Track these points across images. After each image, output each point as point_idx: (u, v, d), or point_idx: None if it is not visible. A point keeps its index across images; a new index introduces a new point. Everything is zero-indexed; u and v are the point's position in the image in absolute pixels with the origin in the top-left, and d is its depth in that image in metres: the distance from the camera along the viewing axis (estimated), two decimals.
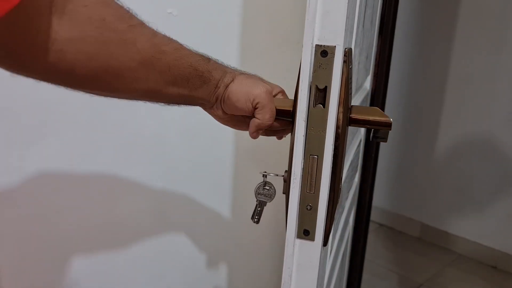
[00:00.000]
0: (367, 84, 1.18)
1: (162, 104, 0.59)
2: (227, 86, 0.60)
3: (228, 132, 1.01)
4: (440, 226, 2.38)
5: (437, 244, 2.40)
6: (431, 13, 2.28)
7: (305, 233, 0.54)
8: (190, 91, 0.57)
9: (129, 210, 1.07)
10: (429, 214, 2.42)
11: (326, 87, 0.50)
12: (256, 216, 0.68)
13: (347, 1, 0.48)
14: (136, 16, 0.50)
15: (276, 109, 0.59)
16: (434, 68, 2.29)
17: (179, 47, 0.55)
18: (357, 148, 1.07)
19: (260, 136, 0.64)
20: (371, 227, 2.49)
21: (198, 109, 1.00)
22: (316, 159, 0.51)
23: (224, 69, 0.61)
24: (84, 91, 0.51)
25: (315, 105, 0.51)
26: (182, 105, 0.61)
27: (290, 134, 0.58)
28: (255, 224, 0.72)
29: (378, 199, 2.44)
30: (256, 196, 0.70)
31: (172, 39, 0.55)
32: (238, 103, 0.59)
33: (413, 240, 2.47)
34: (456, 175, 2.29)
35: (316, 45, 0.49)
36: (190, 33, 0.96)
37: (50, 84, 0.49)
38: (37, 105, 0.93)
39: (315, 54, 0.50)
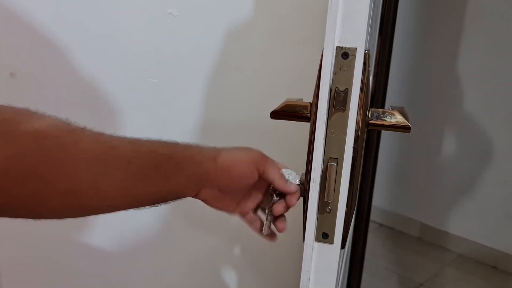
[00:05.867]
0: None
1: (149, 206, 0.55)
2: (214, 160, 0.57)
3: (231, 132, 1.00)
4: (440, 226, 2.38)
5: (437, 244, 2.40)
6: (431, 13, 2.28)
7: (324, 236, 0.53)
8: (166, 180, 0.54)
9: (130, 210, 1.07)
10: (429, 214, 2.42)
11: (346, 89, 0.50)
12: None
13: (369, 2, 0.48)
14: (75, 124, 0.51)
15: (293, 113, 0.58)
16: (434, 68, 2.29)
17: (134, 140, 0.53)
18: None
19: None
20: (371, 227, 2.49)
21: (200, 111, 1.00)
22: (336, 161, 0.51)
23: (198, 147, 0.58)
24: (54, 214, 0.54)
25: (335, 107, 0.50)
26: (169, 200, 0.57)
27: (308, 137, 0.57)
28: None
29: (378, 199, 2.44)
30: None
31: (125, 136, 0.53)
32: (242, 167, 0.59)
33: (413, 240, 2.46)
34: (456, 175, 2.29)
35: (337, 47, 0.49)
36: (190, 33, 0.96)
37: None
38: (36, 106, 0.92)
39: (336, 56, 0.49)
